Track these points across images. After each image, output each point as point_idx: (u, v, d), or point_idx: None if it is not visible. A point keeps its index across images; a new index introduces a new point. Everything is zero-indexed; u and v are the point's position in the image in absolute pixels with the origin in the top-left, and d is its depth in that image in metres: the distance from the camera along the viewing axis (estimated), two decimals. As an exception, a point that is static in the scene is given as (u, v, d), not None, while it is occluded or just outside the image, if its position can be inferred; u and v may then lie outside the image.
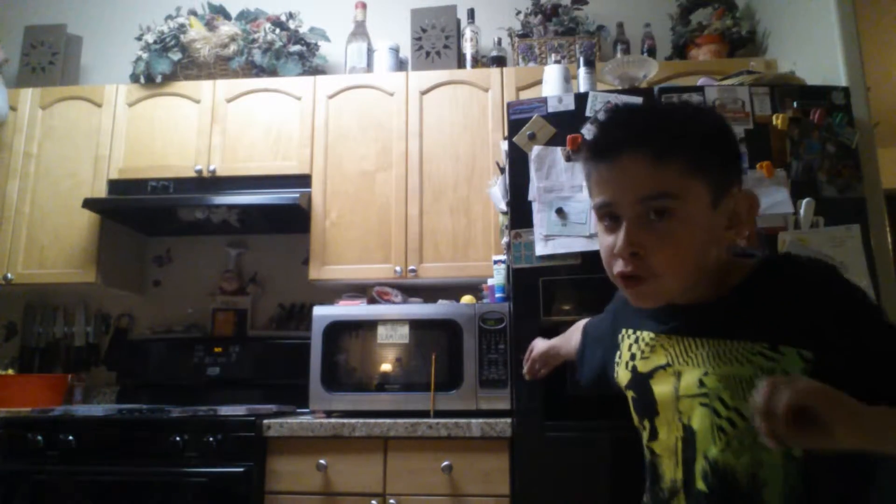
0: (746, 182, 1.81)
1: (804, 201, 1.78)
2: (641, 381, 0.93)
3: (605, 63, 2.17)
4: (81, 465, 1.96)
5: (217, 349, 2.62)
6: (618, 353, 1.01)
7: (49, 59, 2.85)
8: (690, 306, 0.87)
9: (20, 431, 2.01)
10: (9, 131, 2.68)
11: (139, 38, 2.74)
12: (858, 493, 0.82)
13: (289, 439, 1.96)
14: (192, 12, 2.82)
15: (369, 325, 2.14)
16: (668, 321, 0.90)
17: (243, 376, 2.58)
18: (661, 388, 0.90)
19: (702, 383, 0.83)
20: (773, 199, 1.79)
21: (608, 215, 0.84)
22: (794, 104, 1.86)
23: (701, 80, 2.07)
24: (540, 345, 1.43)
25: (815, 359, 0.75)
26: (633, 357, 0.96)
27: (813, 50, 2.16)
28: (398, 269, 2.39)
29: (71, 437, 1.98)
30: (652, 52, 2.72)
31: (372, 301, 2.42)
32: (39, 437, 1.99)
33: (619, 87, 2.10)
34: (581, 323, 1.30)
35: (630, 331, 0.98)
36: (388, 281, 2.44)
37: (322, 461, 1.93)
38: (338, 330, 2.15)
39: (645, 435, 0.94)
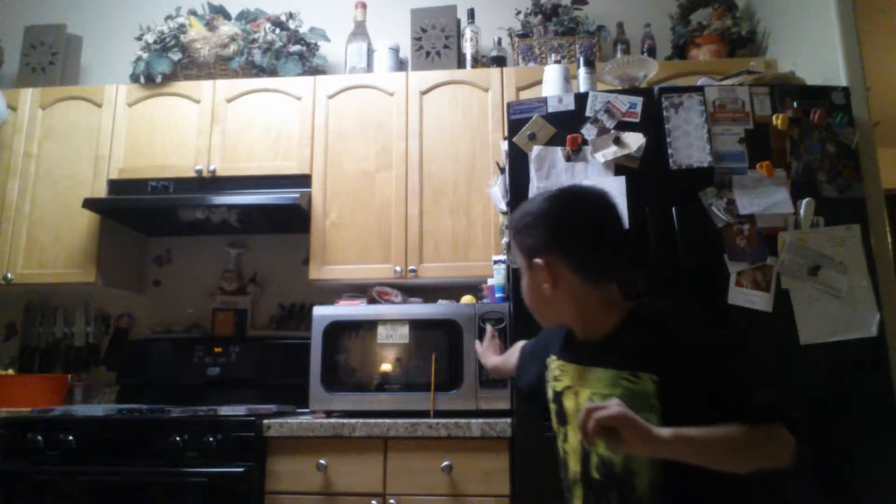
0: (747, 182, 1.82)
1: (804, 201, 1.78)
2: (557, 398, 1.21)
3: (605, 63, 2.17)
4: (81, 465, 1.96)
5: (217, 349, 2.62)
6: (547, 373, 1.27)
7: (49, 59, 2.85)
8: (584, 342, 1.18)
9: (20, 431, 2.01)
10: (9, 131, 2.68)
11: (139, 38, 2.74)
12: (708, 481, 0.98)
13: (289, 439, 1.97)
14: (192, 12, 2.82)
15: (369, 325, 2.14)
16: (570, 353, 1.21)
17: (243, 376, 2.58)
18: (569, 403, 1.17)
19: (591, 400, 1.07)
20: (773, 199, 1.79)
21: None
22: (794, 104, 1.86)
23: (701, 80, 2.07)
24: (490, 360, 1.73)
25: (660, 381, 1.03)
26: (554, 378, 1.23)
27: (813, 50, 2.16)
28: (398, 269, 2.39)
29: (71, 437, 1.98)
30: (652, 52, 2.72)
31: (372, 301, 2.42)
32: (39, 437, 1.99)
33: (619, 87, 2.10)
34: (519, 344, 1.58)
35: (553, 357, 1.26)
36: (388, 281, 2.44)
37: (322, 461, 1.93)
38: (338, 330, 2.15)
39: (560, 438, 1.21)
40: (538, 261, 1.13)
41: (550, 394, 1.23)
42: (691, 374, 1.01)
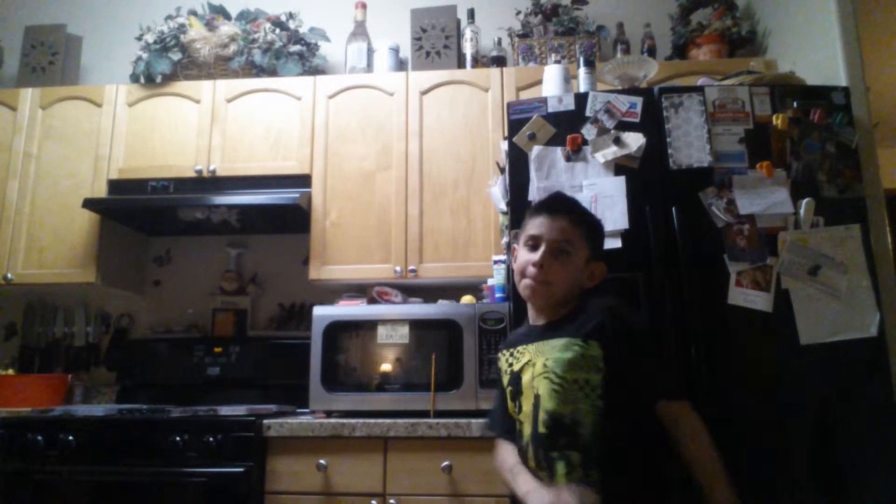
0: (747, 182, 1.82)
1: (804, 201, 1.78)
2: (515, 376, 1.39)
3: (605, 63, 2.17)
4: (81, 465, 1.96)
5: (217, 349, 2.62)
6: (500, 372, 1.48)
7: (49, 59, 2.85)
8: (544, 325, 1.39)
9: (20, 431, 2.01)
10: (9, 131, 2.68)
11: (139, 38, 2.74)
12: (638, 424, 1.25)
13: (289, 439, 1.96)
14: (192, 12, 2.82)
15: (369, 325, 2.14)
16: (530, 337, 1.40)
17: (243, 376, 2.58)
18: (526, 377, 1.35)
19: (545, 366, 1.31)
20: (773, 199, 1.79)
21: (532, 244, 1.38)
22: (794, 104, 1.86)
23: (701, 80, 2.07)
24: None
25: (604, 348, 1.27)
26: (510, 364, 1.42)
27: (813, 50, 2.16)
28: (398, 269, 2.39)
29: (71, 437, 1.98)
30: (652, 52, 2.72)
31: (372, 301, 2.42)
32: (39, 437, 1.99)
33: (619, 87, 2.10)
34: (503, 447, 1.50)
35: (507, 351, 1.46)
36: (388, 281, 2.44)
37: (322, 461, 1.93)
38: (338, 330, 2.15)
39: (515, 411, 1.38)
40: (600, 263, 1.41)
41: (507, 380, 1.42)
42: (629, 345, 1.28)
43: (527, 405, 1.33)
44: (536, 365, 1.32)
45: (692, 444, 1.23)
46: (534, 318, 1.45)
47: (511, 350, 1.44)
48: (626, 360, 1.27)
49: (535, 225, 1.39)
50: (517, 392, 1.37)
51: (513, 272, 1.43)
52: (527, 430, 1.32)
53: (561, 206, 1.42)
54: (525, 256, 1.39)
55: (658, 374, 1.30)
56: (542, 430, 1.28)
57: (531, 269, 1.35)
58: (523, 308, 1.93)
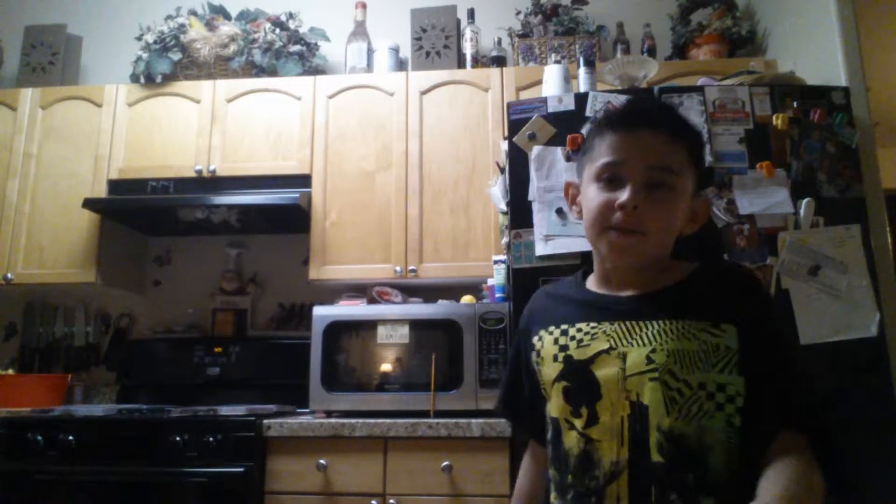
0: (747, 182, 1.82)
1: (804, 201, 1.78)
2: (579, 369, 0.95)
3: (605, 63, 2.17)
4: (81, 465, 1.96)
5: (217, 349, 2.62)
6: (535, 355, 1.04)
7: (49, 59, 2.85)
8: (630, 297, 0.98)
9: (20, 431, 2.01)
10: (9, 131, 2.68)
11: (139, 38, 2.74)
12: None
13: (289, 439, 1.96)
14: (192, 12, 2.82)
15: (369, 325, 2.14)
16: (603, 311, 0.98)
17: (243, 376, 2.58)
18: (605, 371, 0.92)
19: (650, 359, 0.90)
20: (773, 199, 1.79)
21: (610, 176, 0.95)
22: (794, 104, 1.86)
23: (701, 80, 2.07)
24: None
25: (742, 336, 0.90)
26: (563, 348, 0.98)
27: (813, 50, 2.16)
28: (398, 269, 2.39)
29: (71, 437, 1.98)
30: (652, 52, 2.72)
31: (372, 301, 2.42)
32: (39, 437, 1.99)
33: (619, 87, 2.10)
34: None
35: (553, 327, 1.02)
36: (388, 281, 2.44)
37: (322, 461, 1.93)
38: (338, 330, 2.15)
39: (579, 423, 0.93)
40: (701, 198, 1.02)
41: (556, 370, 0.97)
42: (772, 334, 0.92)
43: (610, 417, 0.90)
44: (631, 357, 0.91)
45: (792, 476, 0.84)
46: (606, 283, 1.02)
47: (559, 327, 1.00)
48: (768, 360, 0.90)
49: (615, 146, 0.95)
50: (588, 394, 0.93)
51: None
52: (609, 454, 0.89)
53: (654, 114, 0.99)
54: (602, 196, 0.94)
55: (795, 390, 0.90)
56: (656, 457, 0.86)
57: (618, 216, 0.92)
58: (524, 307, 1.94)
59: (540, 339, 1.03)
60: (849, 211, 1.79)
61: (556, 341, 1.00)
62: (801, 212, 1.78)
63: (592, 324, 0.97)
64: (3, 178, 2.62)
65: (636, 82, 2.13)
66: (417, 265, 2.40)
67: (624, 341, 0.93)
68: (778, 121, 1.84)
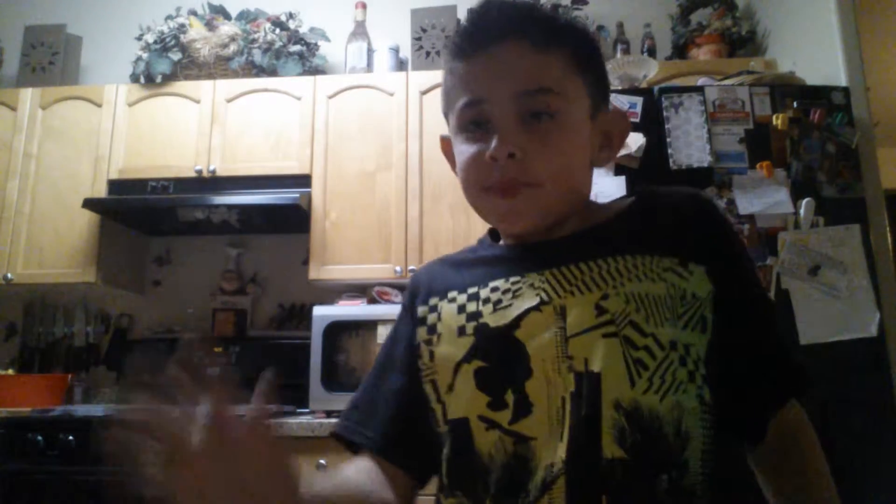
0: (747, 182, 1.82)
1: (804, 201, 1.78)
2: (498, 339, 0.66)
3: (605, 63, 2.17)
4: (81, 465, 1.96)
5: (217, 349, 2.62)
6: (424, 332, 0.72)
7: (49, 59, 2.85)
8: (568, 236, 0.71)
9: (20, 431, 2.01)
10: (9, 131, 2.68)
11: (139, 38, 2.74)
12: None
13: (289, 439, 1.96)
14: (192, 12, 2.82)
15: (369, 325, 2.14)
16: (537, 256, 0.70)
17: (243, 376, 2.57)
18: (536, 336, 0.64)
19: (601, 309, 0.63)
20: (773, 199, 1.79)
21: (474, 121, 0.70)
22: (794, 104, 1.86)
23: (701, 80, 2.07)
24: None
25: (714, 280, 0.67)
26: (474, 316, 0.68)
27: (813, 50, 2.16)
28: (398, 269, 2.39)
29: (71, 437, 1.98)
30: (652, 52, 2.72)
31: (372, 301, 2.42)
32: (39, 437, 1.99)
33: (619, 87, 2.10)
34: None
35: (455, 293, 0.72)
36: (388, 281, 2.44)
37: (322, 461, 1.93)
38: (338, 330, 2.15)
39: (503, 417, 0.63)
40: (613, 111, 0.77)
41: (462, 348, 0.67)
42: (751, 281, 0.72)
43: (547, 401, 0.62)
44: (573, 311, 0.64)
45: (813, 473, 0.68)
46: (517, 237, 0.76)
47: (470, 290, 0.71)
48: (747, 314, 0.69)
49: (467, 78, 0.71)
50: (513, 372, 0.64)
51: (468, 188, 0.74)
52: (546, 456, 0.60)
53: (507, 22, 0.70)
54: (469, 150, 0.70)
55: (782, 350, 0.71)
56: (613, 450, 0.58)
57: (494, 175, 0.68)
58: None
59: (433, 309, 0.73)
60: (849, 211, 1.79)
61: (460, 309, 0.70)
62: (801, 212, 1.78)
63: (514, 278, 0.69)
64: (3, 178, 2.62)
65: (636, 82, 2.13)
66: (417, 265, 2.40)
67: (561, 291, 0.65)
68: (778, 121, 1.84)
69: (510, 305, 0.67)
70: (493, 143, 0.67)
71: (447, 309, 0.72)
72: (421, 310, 0.74)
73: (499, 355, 0.66)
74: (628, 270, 0.66)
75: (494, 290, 0.70)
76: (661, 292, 0.64)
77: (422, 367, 0.71)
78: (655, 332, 0.62)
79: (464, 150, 0.71)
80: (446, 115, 0.76)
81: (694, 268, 0.67)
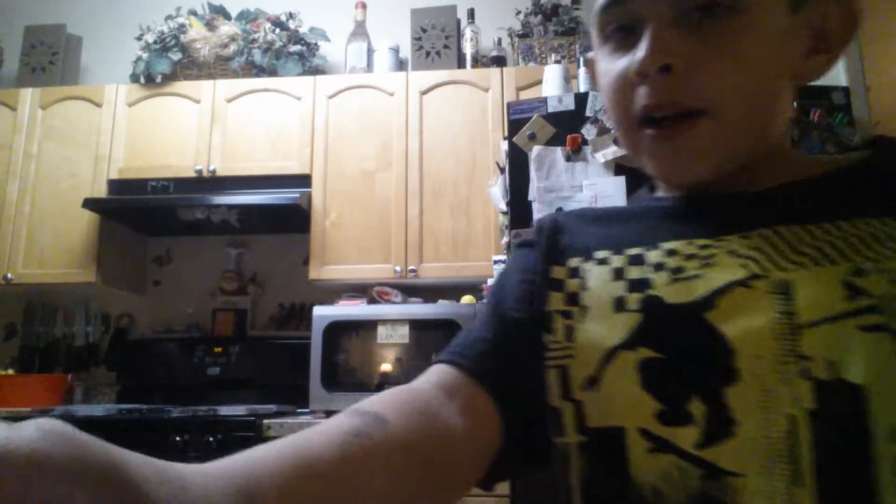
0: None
1: (804, 201, 1.78)
2: (679, 321, 0.46)
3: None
4: (81, 465, 1.96)
5: (217, 349, 2.62)
6: (561, 300, 0.52)
7: (49, 59, 2.85)
8: (774, 189, 0.50)
9: (20, 431, 2.01)
10: (9, 131, 2.68)
11: (139, 38, 2.75)
12: None
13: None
14: (192, 12, 2.82)
15: (369, 325, 2.14)
16: (730, 211, 0.50)
17: (243, 376, 2.58)
18: (744, 323, 0.43)
19: (854, 289, 0.42)
20: (773, 199, 1.79)
21: (621, 23, 0.51)
22: (794, 104, 1.86)
23: (701, 80, 2.06)
24: None
25: None
26: (639, 285, 0.48)
27: (813, 50, 2.16)
28: (398, 269, 2.39)
29: (71, 437, 1.98)
30: (652, 52, 2.72)
31: (372, 301, 2.42)
32: (39, 437, 1.99)
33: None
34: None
35: (607, 252, 0.52)
36: (388, 281, 2.44)
37: (322, 461, 1.93)
38: (338, 330, 2.15)
39: (687, 437, 0.43)
40: (836, 4, 0.52)
41: (623, 328, 0.47)
42: None
43: (763, 420, 0.41)
44: (804, 288, 0.43)
45: None
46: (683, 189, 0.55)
47: (630, 251, 0.51)
48: None
49: None
50: (693, 369, 0.44)
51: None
52: (767, 502, 0.39)
53: None
54: (610, 69, 0.53)
55: None
56: (812, 451, 0.39)
57: (641, 95, 0.50)
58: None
59: (574, 274, 0.53)
60: (849, 211, 1.78)
61: (616, 274, 0.50)
62: (801, 212, 1.78)
63: (702, 241, 0.49)
64: (3, 178, 2.62)
65: (636, 82, 2.13)
66: (417, 265, 2.40)
67: (782, 260, 0.45)
68: (778, 121, 1.84)
69: (697, 276, 0.46)
70: (641, 52, 0.48)
71: (596, 273, 0.51)
72: (556, 270, 0.53)
73: (679, 344, 0.45)
74: (891, 238, 0.44)
75: (671, 253, 0.49)
76: None
77: (549, 345, 0.50)
78: None
79: (606, 68, 0.53)
80: (591, 27, 0.56)
81: None
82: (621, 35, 0.51)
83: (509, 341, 0.53)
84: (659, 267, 0.49)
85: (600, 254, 0.52)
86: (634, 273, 0.49)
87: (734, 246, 0.47)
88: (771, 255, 0.46)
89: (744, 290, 0.44)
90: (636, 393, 0.45)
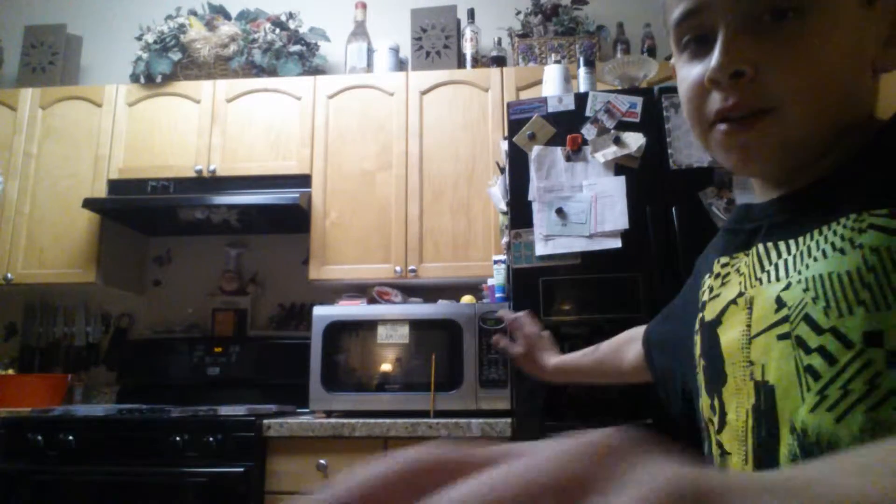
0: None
1: (804, 201, 1.78)
2: (710, 336, 0.59)
3: (605, 63, 2.17)
4: (81, 465, 1.96)
5: (217, 349, 2.62)
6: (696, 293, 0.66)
7: (49, 59, 2.85)
8: (778, 199, 0.56)
9: (20, 431, 2.01)
10: (9, 131, 2.68)
11: (139, 38, 2.75)
12: None
13: (289, 439, 1.97)
14: (192, 12, 2.82)
15: (369, 325, 2.14)
16: (749, 228, 0.58)
17: (243, 376, 2.58)
18: (730, 335, 0.55)
19: (780, 302, 0.50)
20: (774, 199, 1.79)
21: (695, 35, 0.55)
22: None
23: (701, 80, 2.06)
24: (545, 361, 1.03)
25: None
26: (701, 307, 0.62)
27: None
28: (398, 269, 2.39)
29: (71, 437, 1.98)
30: (652, 52, 2.72)
31: (372, 301, 2.42)
32: (39, 437, 1.99)
33: (619, 87, 2.10)
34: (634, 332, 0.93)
35: (707, 274, 0.64)
36: (388, 281, 2.44)
37: (322, 461, 1.93)
38: (338, 330, 2.15)
39: (714, 426, 0.57)
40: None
41: (699, 343, 0.61)
42: None
43: (735, 412, 0.55)
44: (758, 304, 0.53)
45: None
46: (768, 187, 0.60)
47: (717, 264, 0.62)
48: None
49: None
50: (717, 375, 0.57)
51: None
52: (733, 460, 0.55)
53: None
54: (687, 75, 0.57)
55: None
56: None
57: (714, 100, 0.54)
58: (523, 308, 1.94)
59: (705, 278, 0.65)
60: (849, 211, 1.78)
61: (704, 294, 0.63)
62: (802, 212, 1.78)
63: (725, 259, 0.60)
64: (3, 178, 2.62)
65: (636, 82, 2.13)
66: (417, 265, 2.40)
67: (753, 280, 0.54)
68: (778, 121, 1.84)
69: (718, 296, 0.59)
70: (714, 61, 0.52)
71: (704, 287, 0.63)
72: (702, 280, 0.65)
73: (710, 355, 0.58)
74: (818, 246, 0.49)
75: (714, 275, 0.61)
76: (850, 266, 0.46)
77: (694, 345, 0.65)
78: (838, 324, 0.46)
79: (683, 76, 0.57)
80: (668, 36, 0.61)
81: None
82: (696, 45, 0.56)
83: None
84: (710, 289, 0.61)
85: (706, 274, 0.64)
86: (703, 296, 0.63)
87: (740, 263, 0.58)
88: (753, 272, 0.55)
89: (734, 307, 0.56)
90: (703, 392, 0.60)
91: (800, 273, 0.50)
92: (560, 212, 1.83)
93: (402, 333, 2.12)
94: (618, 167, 1.85)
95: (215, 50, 2.71)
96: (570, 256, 1.80)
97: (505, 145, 2.03)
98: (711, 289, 0.61)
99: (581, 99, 1.92)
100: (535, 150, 1.90)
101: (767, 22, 0.51)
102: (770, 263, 0.53)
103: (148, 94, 2.67)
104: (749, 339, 0.53)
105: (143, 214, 2.61)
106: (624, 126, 1.88)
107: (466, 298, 2.32)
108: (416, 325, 2.12)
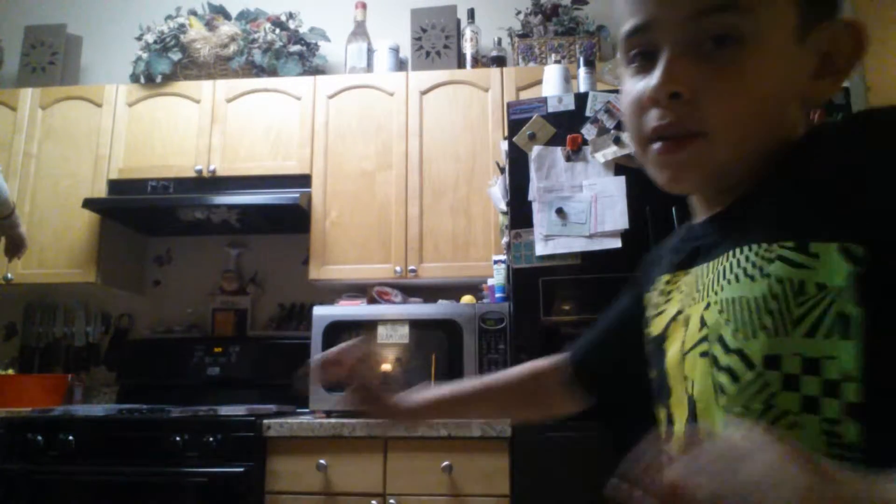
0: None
1: (804, 201, 1.78)
2: (656, 351, 0.63)
3: (605, 63, 2.17)
4: (81, 465, 1.96)
5: (217, 349, 2.62)
6: (646, 324, 0.69)
7: (49, 59, 2.85)
8: (710, 218, 0.61)
9: (20, 431, 2.01)
10: (9, 131, 2.68)
11: (139, 38, 2.75)
12: None
13: (289, 439, 1.97)
14: (192, 12, 2.82)
15: (369, 325, 2.14)
16: (689, 247, 0.62)
17: (243, 376, 2.58)
18: (672, 351, 0.59)
19: (703, 322, 0.55)
20: (774, 199, 1.79)
21: (641, 50, 0.58)
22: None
23: (701, 80, 2.06)
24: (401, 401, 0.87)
25: (867, 258, 0.45)
26: (647, 323, 0.68)
27: (813, 50, 2.16)
28: (398, 269, 2.39)
29: (71, 437, 1.98)
30: (652, 52, 2.72)
31: (372, 301, 2.42)
32: (39, 437, 1.99)
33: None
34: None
35: (650, 289, 0.70)
36: (388, 281, 2.44)
37: (322, 461, 1.93)
38: (338, 330, 2.15)
39: (664, 436, 0.61)
40: (838, 24, 0.55)
41: (650, 350, 0.66)
42: None
43: (679, 421, 0.59)
44: (691, 322, 0.57)
45: None
46: (702, 207, 0.64)
47: (661, 281, 0.67)
48: None
49: (633, 3, 0.58)
50: (661, 385, 0.62)
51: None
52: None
53: None
54: (631, 89, 0.60)
55: None
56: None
57: (651, 116, 0.56)
58: (524, 308, 1.92)
59: (649, 294, 0.70)
60: (849, 211, 1.79)
61: (650, 310, 0.68)
62: (801, 212, 1.78)
63: (667, 277, 0.65)
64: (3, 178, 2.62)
65: (636, 82, 2.13)
66: (417, 265, 2.40)
67: (689, 298, 0.59)
68: (778, 121, 1.84)
69: (663, 312, 0.63)
70: (654, 79, 0.55)
71: (651, 302, 0.68)
72: (646, 296, 0.70)
73: (658, 368, 0.62)
74: (731, 270, 0.53)
75: (660, 292, 0.65)
76: (758, 292, 0.49)
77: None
78: (743, 346, 0.50)
79: (627, 89, 0.60)
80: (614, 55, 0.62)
81: (819, 248, 0.47)
82: (642, 60, 0.58)
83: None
84: (654, 305, 0.65)
85: (649, 289, 0.69)
86: (649, 311, 0.67)
87: (681, 281, 0.62)
88: (689, 291, 0.59)
89: (675, 324, 0.60)
90: (655, 403, 0.64)
91: (716, 294, 0.54)
92: (560, 212, 1.83)
93: (402, 333, 2.12)
94: (618, 167, 1.85)
95: (215, 50, 2.71)
96: (570, 256, 1.80)
97: (505, 145, 2.03)
98: (657, 305, 0.65)
99: (581, 99, 1.92)
100: (535, 150, 1.90)
101: (709, 47, 0.53)
102: (701, 284, 0.57)
103: (148, 95, 2.67)
104: (683, 356, 0.58)
105: (142, 214, 2.61)
106: (624, 126, 1.88)
107: (466, 298, 2.32)
108: (416, 326, 2.12)
